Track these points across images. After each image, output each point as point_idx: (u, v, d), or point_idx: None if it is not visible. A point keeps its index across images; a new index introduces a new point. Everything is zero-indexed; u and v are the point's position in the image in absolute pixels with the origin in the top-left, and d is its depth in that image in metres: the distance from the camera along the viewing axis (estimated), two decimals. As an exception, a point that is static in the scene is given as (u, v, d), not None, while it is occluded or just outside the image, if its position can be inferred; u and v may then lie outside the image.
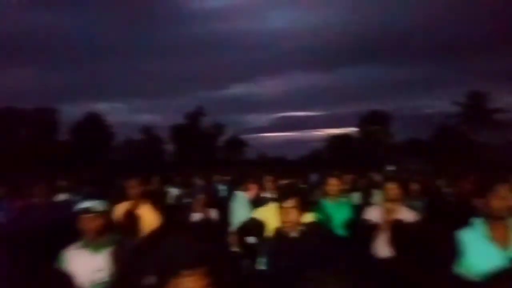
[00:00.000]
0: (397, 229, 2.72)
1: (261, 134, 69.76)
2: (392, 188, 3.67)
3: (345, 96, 74.96)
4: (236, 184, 5.77)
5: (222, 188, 6.42)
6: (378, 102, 73.80)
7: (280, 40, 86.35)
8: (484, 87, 40.59)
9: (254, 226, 2.76)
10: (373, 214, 3.73)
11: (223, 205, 5.05)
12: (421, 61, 75.47)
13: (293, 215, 2.45)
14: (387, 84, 74.80)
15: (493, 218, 2.30)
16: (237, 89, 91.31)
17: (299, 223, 2.48)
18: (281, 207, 2.49)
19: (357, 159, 31.68)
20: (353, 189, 6.74)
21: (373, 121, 40.47)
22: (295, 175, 8.51)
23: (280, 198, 2.55)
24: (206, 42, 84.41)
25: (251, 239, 2.80)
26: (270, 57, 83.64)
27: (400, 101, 71.98)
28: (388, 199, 3.64)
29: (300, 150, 52.55)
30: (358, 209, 4.14)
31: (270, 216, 2.86)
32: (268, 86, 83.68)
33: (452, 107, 39.24)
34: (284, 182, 3.42)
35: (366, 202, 5.53)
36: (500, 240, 2.28)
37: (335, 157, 35.51)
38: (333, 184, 4.15)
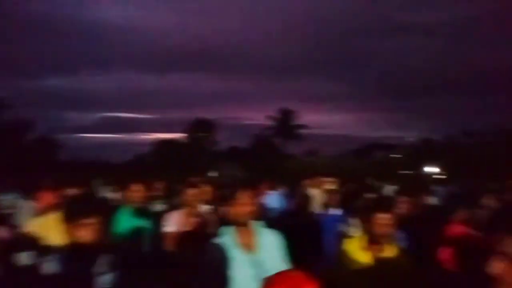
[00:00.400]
0: (184, 235, 2.83)
1: (82, 135, 63.02)
2: (191, 194, 3.84)
3: (174, 101, 75.41)
4: (27, 192, 4.97)
5: (7, 198, 5.39)
6: (205, 110, 77.24)
7: (113, 35, 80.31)
8: (292, 105, 48.07)
9: (25, 241, 2.40)
10: (173, 219, 3.82)
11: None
12: (245, 75, 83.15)
13: (91, 232, 2.11)
14: (213, 93, 79.15)
15: (238, 225, 2.39)
16: (55, 81, 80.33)
17: (99, 239, 2.17)
18: (76, 223, 2.14)
19: (182, 165, 32.15)
20: (168, 195, 6.76)
21: (199, 128, 41.96)
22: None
23: (74, 212, 2.18)
24: (20, 24, 71.16)
25: (22, 257, 2.41)
26: (98, 51, 76.75)
27: (223, 111, 77.08)
28: (187, 204, 3.79)
29: (124, 154, 49.68)
30: (160, 216, 4.15)
31: (50, 229, 2.55)
32: (93, 82, 76.67)
33: (267, 120, 44.59)
34: (73, 190, 3.05)
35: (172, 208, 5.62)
36: (247, 246, 2.38)
37: (161, 162, 35.13)
38: (136, 190, 4.03)
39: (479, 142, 32.20)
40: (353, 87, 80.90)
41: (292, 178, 13.07)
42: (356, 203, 4.13)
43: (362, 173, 18.77)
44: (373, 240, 2.50)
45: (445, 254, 3.30)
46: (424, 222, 4.12)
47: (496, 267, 1.38)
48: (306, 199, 5.83)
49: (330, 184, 8.05)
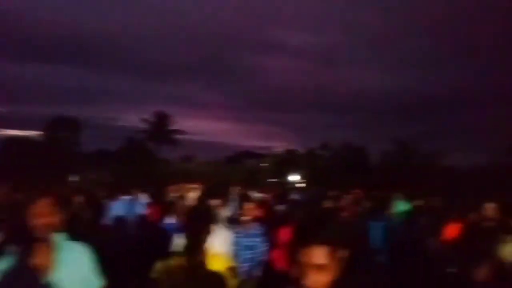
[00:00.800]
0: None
1: None
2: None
3: (33, 95, 65.62)
4: None
5: None
6: (72, 107, 69.19)
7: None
8: (169, 109, 47.20)
9: None
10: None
11: None
12: (121, 74, 78.30)
13: None
14: (84, 89, 72.13)
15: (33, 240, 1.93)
16: None
17: None
18: None
19: (36, 167, 28.26)
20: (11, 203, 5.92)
21: (61, 127, 37.61)
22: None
23: None
24: None
25: None
26: None
27: (94, 110, 70.39)
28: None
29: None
30: None
31: None
32: None
33: (141, 123, 42.64)
34: None
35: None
36: (43, 266, 1.94)
37: (8, 163, 30.19)
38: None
39: (332, 155, 36.84)
40: (229, 97, 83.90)
41: (163, 183, 12.77)
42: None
43: (233, 180, 19.49)
44: (190, 251, 2.33)
45: (277, 255, 3.66)
46: (271, 226, 4.51)
47: (308, 278, 1.36)
48: (167, 205, 5.79)
49: (194, 190, 8.14)
